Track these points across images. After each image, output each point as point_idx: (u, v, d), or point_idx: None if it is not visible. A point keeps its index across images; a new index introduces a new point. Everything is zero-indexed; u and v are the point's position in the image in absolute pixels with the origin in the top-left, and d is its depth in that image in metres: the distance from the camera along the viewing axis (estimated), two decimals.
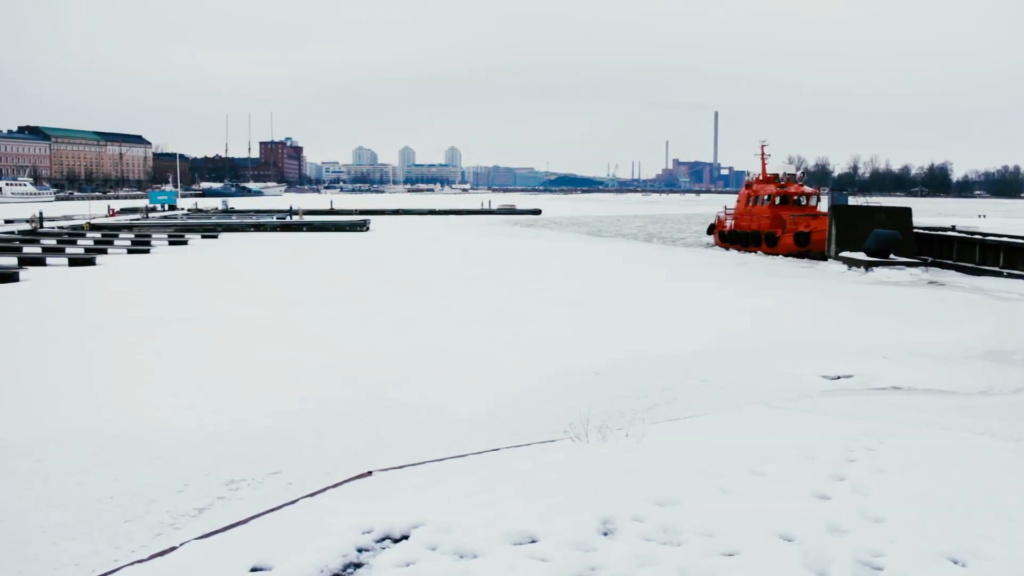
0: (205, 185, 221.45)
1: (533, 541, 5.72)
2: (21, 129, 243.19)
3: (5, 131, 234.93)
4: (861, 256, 36.63)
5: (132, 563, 5.66)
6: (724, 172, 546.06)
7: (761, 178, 51.24)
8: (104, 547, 7.62)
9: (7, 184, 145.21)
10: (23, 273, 29.91)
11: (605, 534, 5.89)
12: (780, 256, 43.31)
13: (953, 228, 39.91)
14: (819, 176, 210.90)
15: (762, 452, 8.21)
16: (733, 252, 46.83)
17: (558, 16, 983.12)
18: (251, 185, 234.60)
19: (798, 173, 52.43)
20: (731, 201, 64.51)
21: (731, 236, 49.66)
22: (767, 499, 6.72)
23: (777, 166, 51.91)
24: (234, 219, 68.30)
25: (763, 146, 52.15)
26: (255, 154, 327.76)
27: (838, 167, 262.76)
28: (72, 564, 7.28)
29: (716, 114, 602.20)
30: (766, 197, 48.00)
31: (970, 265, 36.12)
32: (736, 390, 13.44)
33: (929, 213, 67.39)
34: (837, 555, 5.62)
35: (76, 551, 7.56)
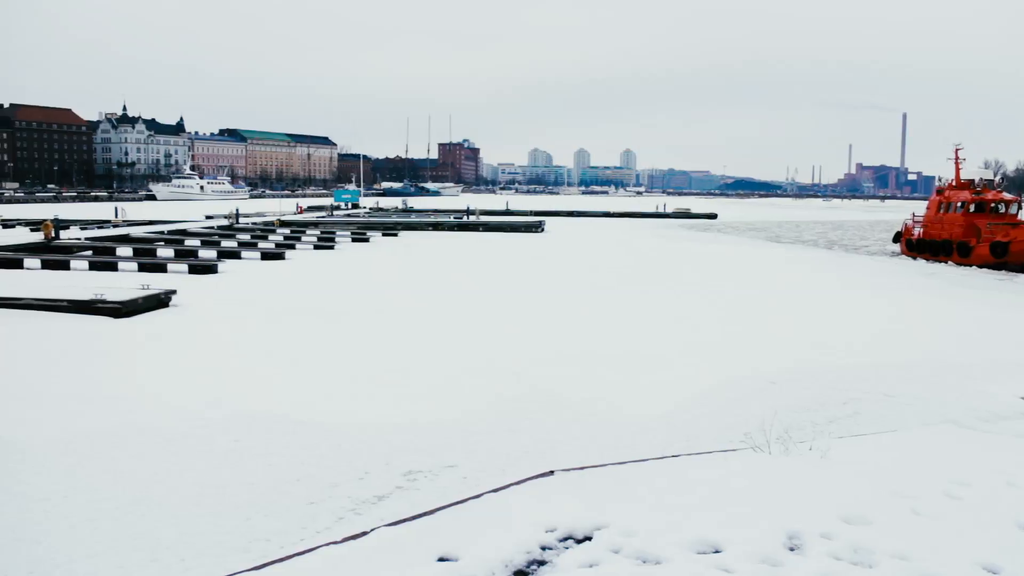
0: (386, 185, 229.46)
1: (717, 551, 5.61)
2: (221, 132, 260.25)
3: (208, 134, 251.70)
4: None
5: (327, 544, 5.92)
6: (911, 177, 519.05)
7: (954, 184, 48.33)
8: (291, 526, 8.00)
9: (208, 183, 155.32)
10: (221, 266, 31.93)
11: (791, 549, 5.70)
12: (974, 267, 40.75)
13: None
14: (1020, 182, 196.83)
15: (956, 475, 7.74)
16: (921, 261, 44.41)
17: (734, 14, 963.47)
18: (429, 185, 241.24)
19: (996, 179, 49.15)
20: (919, 208, 61.16)
21: (919, 245, 47.07)
22: (965, 525, 6.32)
23: (972, 171, 48.80)
24: (413, 218, 70.44)
25: (957, 149, 49.18)
26: (433, 155, 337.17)
27: None
28: (263, 539, 7.69)
29: (904, 115, 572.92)
30: (959, 204, 45.27)
31: None
32: (923, 407, 12.72)
33: None
34: None
35: (266, 527, 7.97)
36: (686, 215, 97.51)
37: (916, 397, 13.35)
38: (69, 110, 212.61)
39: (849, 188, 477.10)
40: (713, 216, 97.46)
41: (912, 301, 26.26)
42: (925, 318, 22.44)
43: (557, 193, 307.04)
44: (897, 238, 53.00)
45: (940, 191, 49.39)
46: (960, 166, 48.73)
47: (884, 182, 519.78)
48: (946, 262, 43.12)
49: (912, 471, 7.83)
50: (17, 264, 31.25)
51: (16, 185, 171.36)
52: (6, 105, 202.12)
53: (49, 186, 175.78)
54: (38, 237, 39.19)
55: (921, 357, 16.69)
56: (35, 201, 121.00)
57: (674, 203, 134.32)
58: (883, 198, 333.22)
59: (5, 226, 54.75)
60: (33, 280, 26.11)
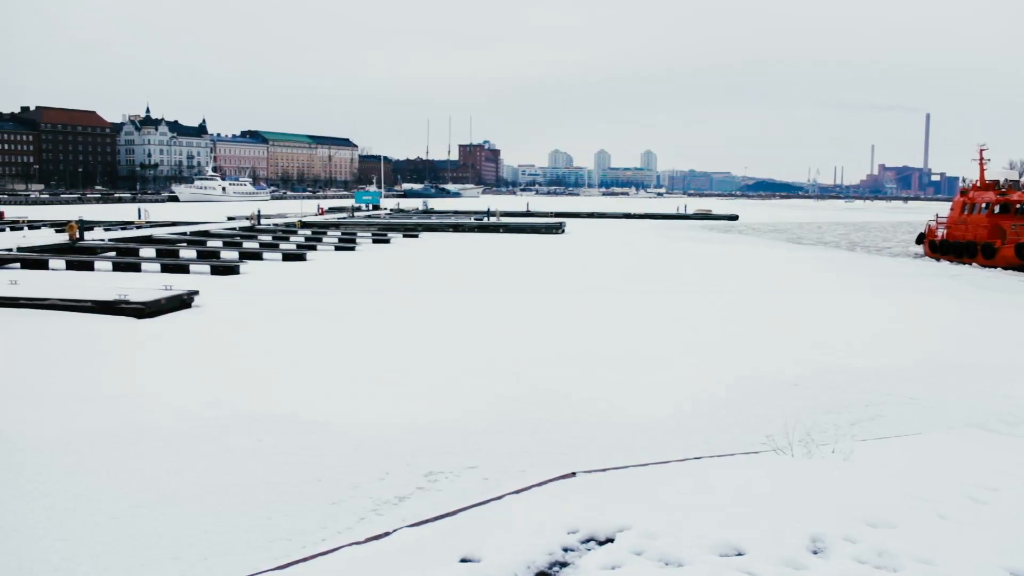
0: (406, 186, 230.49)
1: (740, 554, 5.57)
2: (243, 133, 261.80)
3: (230, 136, 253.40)
4: None
5: (350, 544, 5.94)
6: (935, 178, 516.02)
7: (978, 184, 47.87)
8: (312, 526, 8.04)
9: (230, 184, 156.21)
10: (243, 267, 32.13)
11: (815, 552, 5.66)
12: (998, 269, 40.38)
13: None
14: None
15: (982, 479, 7.67)
16: (944, 263, 44.03)
17: (757, 12, 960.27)
18: (450, 187, 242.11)
19: (1022, 180, 48.68)
20: (943, 209, 60.65)
21: (943, 246, 46.67)
22: (991, 529, 6.26)
23: (997, 172, 48.36)
24: (434, 219, 70.48)
25: (981, 150, 48.74)
26: (454, 156, 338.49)
27: None
28: (284, 539, 7.72)
29: (927, 116, 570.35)
30: (984, 205, 44.84)
31: None
32: (947, 410, 12.60)
33: None
34: None
35: (287, 527, 8.01)
36: (707, 216, 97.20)
37: (939, 400, 13.24)
38: (93, 112, 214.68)
39: (871, 189, 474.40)
40: (734, 217, 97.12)
41: (933, 303, 26.05)
42: (945, 320, 22.24)
43: (578, 194, 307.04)
44: (920, 239, 52.61)
45: (964, 192, 48.95)
46: (984, 167, 48.30)
47: (907, 183, 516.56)
48: (970, 264, 42.75)
49: (937, 474, 7.76)
50: (43, 265, 31.57)
51: (41, 187, 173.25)
52: (32, 107, 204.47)
53: (97, 187, 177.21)
54: (63, 238, 39.53)
55: (943, 359, 16.55)
56: (60, 202, 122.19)
57: (695, 204, 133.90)
58: (906, 199, 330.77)
59: (31, 227, 55.28)
60: (58, 281, 26.35)
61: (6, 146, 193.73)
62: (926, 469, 8.00)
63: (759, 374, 14.83)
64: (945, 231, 47.89)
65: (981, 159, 48.45)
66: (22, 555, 7.35)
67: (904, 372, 15.22)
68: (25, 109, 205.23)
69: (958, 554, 5.67)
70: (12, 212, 78.10)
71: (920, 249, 51.86)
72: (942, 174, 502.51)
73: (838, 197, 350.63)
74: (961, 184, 52.28)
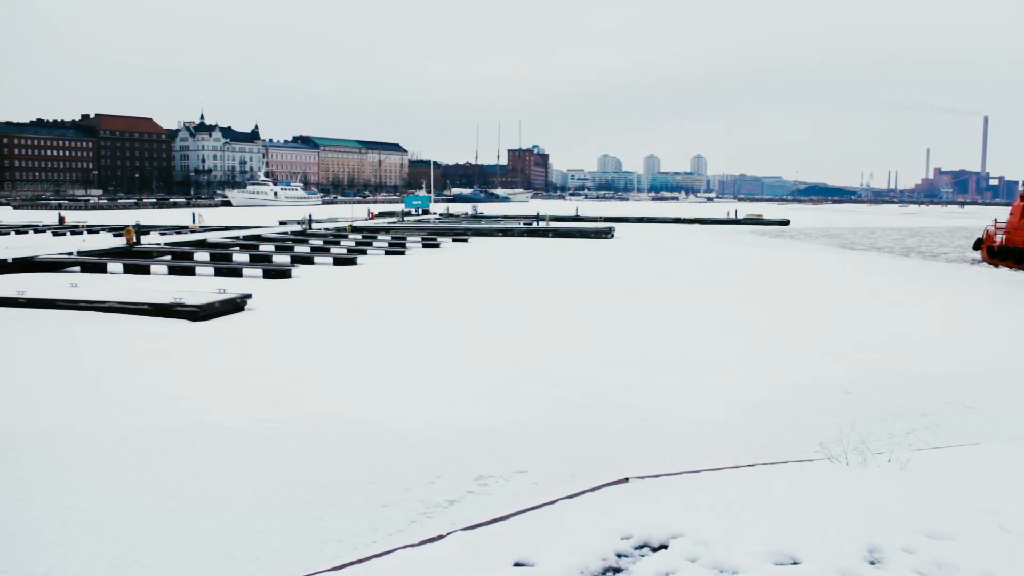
0: (456, 191, 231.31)
1: (795, 563, 5.49)
2: (295, 139, 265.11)
3: (281, 141, 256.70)
4: None
5: (404, 547, 5.98)
6: (993, 182, 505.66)
7: None
8: (364, 528, 8.12)
9: (282, 189, 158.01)
10: (294, 270, 32.48)
11: (872, 563, 5.56)
12: None
13: None
14: None
15: None
16: (1003, 269, 43.04)
17: (808, 13, 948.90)
18: (499, 191, 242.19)
19: None
20: (1002, 214, 59.24)
21: (1002, 252, 45.59)
22: None
23: None
24: (483, 224, 70.60)
25: None
26: (503, 161, 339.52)
27: None
28: (336, 540, 7.82)
29: (986, 118, 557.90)
30: None
31: None
32: (1007, 420, 12.32)
33: None
34: None
35: (339, 528, 8.11)
36: (757, 221, 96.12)
37: (999, 409, 12.96)
38: (150, 119, 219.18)
39: (927, 194, 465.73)
40: (785, 222, 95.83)
41: (992, 310, 25.50)
42: (1005, 327, 21.74)
43: (627, 199, 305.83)
44: (978, 245, 51.43)
45: None
46: None
47: (964, 187, 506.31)
48: None
49: (998, 485, 7.57)
50: (101, 268, 32.31)
51: (100, 192, 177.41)
52: (91, 115, 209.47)
53: (163, 195, 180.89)
54: (120, 242, 40.33)
55: (1004, 367, 16.19)
56: (117, 207, 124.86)
57: (745, 209, 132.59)
58: (963, 204, 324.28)
59: (90, 232, 56.56)
60: (116, 284, 26.93)
61: (67, 152, 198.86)
62: (986, 480, 7.82)
63: (813, 380, 14.67)
64: (1004, 236, 46.79)
65: None
66: (81, 551, 7.52)
67: (962, 380, 14.91)
68: (85, 117, 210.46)
69: (1021, 568, 5.53)
70: (72, 217, 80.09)
71: (978, 255, 50.74)
72: (1001, 178, 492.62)
73: (892, 202, 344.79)
74: (1021, 188, 51.07)
